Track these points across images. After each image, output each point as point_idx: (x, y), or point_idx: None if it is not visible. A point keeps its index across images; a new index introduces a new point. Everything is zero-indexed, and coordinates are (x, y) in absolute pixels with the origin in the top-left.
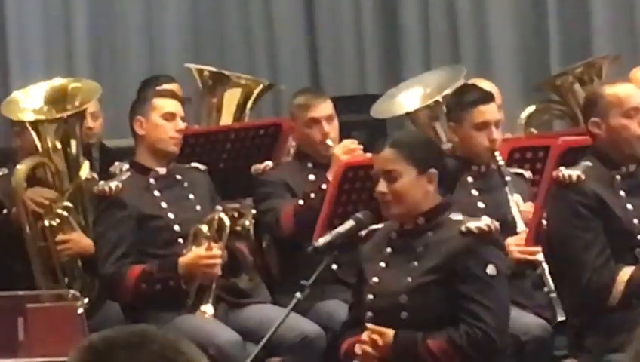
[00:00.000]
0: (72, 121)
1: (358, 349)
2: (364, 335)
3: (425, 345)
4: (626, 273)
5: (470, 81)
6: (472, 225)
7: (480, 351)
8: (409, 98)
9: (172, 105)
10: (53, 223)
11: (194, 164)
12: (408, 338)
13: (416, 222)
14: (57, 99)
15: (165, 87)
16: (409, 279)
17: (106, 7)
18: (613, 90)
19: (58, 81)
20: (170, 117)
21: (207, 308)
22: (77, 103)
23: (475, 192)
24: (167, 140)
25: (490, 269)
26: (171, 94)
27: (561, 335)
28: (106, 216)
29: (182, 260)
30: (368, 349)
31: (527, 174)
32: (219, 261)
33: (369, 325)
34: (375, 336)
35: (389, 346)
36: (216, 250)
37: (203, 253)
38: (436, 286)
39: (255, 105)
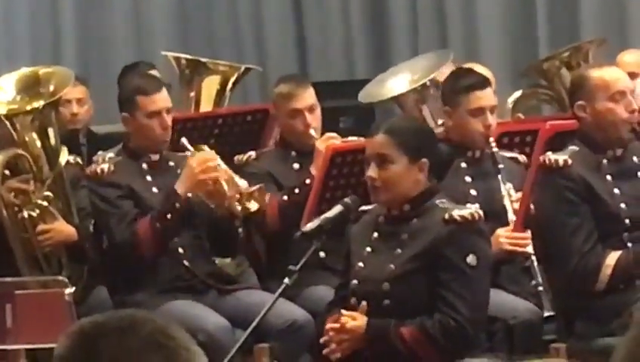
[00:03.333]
0: (47, 110)
1: (329, 333)
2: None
3: (397, 331)
4: (613, 257)
5: (465, 66)
6: (456, 213)
7: (452, 341)
8: (397, 83)
9: (156, 103)
10: (33, 214)
11: (188, 153)
12: (380, 325)
13: (402, 208)
14: (29, 86)
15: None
16: (392, 266)
17: None
18: (600, 74)
19: (25, 70)
20: (155, 114)
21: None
22: (51, 89)
23: (468, 179)
24: (154, 138)
25: (471, 259)
26: (154, 88)
27: (549, 319)
28: (102, 195)
29: (177, 185)
30: (338, 331)
31: (522, 158)
32: (215, 161)
33: (343, 311)
34: (344, 319)
35: (362, 332)
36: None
37: (194, 161)
38: (418, 274)
39: (234, 90)
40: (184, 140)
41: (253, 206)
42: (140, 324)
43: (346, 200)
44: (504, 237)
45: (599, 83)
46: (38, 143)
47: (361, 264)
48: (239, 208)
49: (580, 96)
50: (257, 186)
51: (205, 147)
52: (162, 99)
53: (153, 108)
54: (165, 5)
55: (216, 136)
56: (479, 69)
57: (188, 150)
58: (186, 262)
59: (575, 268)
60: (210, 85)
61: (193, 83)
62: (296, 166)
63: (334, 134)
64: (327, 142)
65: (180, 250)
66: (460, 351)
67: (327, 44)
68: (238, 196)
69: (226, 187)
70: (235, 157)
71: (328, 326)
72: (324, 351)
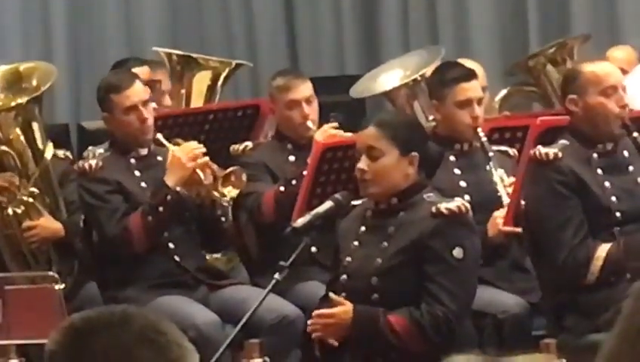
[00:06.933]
0: (31, 105)
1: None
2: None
3: (386, 321)
4: (603, 249)
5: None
6: (443, 206)
7: (440, 332)
8: (389, 78)
9: (130, 98)
10: (18, 210)
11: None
12: (368, 313)
13: (390, 201)
14: (11, 82)
15: (135, 70)
16: (379, 260)
17: None
18: (592, 68)
19: (5, 67)
20: (131, 109)
21: (230, 192)
22: (34, 84)
23: (457, 171)
24: (134, 132)
25: (457, 252)
26: (126, 83)
27: (539, 315)
28: (92, 191)
29: (166, 177)
30: (325, 316)
31: (512, 151)
32: (200, 148)
33: (331, 294)
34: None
35: (349, 317)
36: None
37: (180, 152)
38: (406, 268)
39: (225, 86)
40: (160, 136)
41: (231, 192)
42: (131, 320)
43: (337, 195)
44: (500, 217)
45: (591, 77)
46: (23, 139)
47: (349, 258)
48: (217, 195)
49: (571, 90)
50: (232, 168)
51: (181, 141)
52: (136, 92)
53: (128, 103)
54: (156, 1)
55: (207, 131)
56: (471, 64)
57: (164, 145)
58: (176, 258)
59: (564, 261)
60: (201, 81)
61: (184, 79)
62: (292, 158)
63: (335, 124)
64: (326, 134)
65: (171, 245)
66: (445, 342)
67: (317, 40)
68: (214, 182)
69: (202, 175)
70: (231, 147)
71: (315, 312)
72: (313, 335)
